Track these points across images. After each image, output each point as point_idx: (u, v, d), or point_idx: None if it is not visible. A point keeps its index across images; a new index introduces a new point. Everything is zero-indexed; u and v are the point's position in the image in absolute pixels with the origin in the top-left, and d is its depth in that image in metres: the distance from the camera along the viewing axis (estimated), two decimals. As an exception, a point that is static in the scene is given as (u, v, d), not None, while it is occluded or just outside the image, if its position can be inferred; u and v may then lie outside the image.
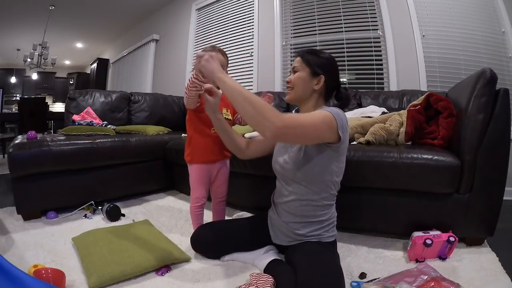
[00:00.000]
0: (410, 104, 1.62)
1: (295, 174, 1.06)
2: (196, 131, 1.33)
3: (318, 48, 2.79)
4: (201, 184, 1.35)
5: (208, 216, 1.54)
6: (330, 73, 1.09)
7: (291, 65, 1.63)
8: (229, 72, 3.34)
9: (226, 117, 1.36)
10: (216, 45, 1.40)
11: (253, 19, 3.25)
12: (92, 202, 1.80)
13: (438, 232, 1.21)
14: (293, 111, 1.26)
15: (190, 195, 1.38)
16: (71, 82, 8.54)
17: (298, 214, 1.08)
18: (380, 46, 2.56)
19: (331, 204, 1.10)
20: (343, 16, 2.69)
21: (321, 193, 1.05)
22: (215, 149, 1.34)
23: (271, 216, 1.21)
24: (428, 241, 1.15)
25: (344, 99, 1.15)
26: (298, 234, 1.09)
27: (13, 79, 7.83)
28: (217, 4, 3.66)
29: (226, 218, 1.68)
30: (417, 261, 1.18)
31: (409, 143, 1.51)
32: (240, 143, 1.27)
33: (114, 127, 2.42)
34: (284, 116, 0.84)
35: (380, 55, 2.56)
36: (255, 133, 1.86)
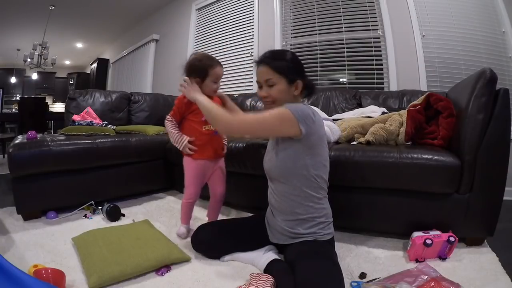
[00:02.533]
0: (410, 104, 1.62)
1: (273, 172, 1.11)
2: (190, 131, 1.39)
3: (318, 48, 2.80)
4: (196, 180, 1.41)
5: (203, 215, 1.54)
6: (302, 73, 1.11)
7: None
8: (229, 72, 3.35)
9: (211, 129, 1.42)
10: (205, 53, 1.45)
11: (253, 19, 3.25)
12: (92, 202, 1.80)
13: (438, 232, 1.22)
14: None
15: (184, 190, 1.42)
16: (71, 82, 8.54)
17: (288, 211, 1.09)
18: (380, 46, 2.56)
19: (320, 198, 1.08)
20: (343, 16, 2.69)
21: (301, 187, 1.05)
22: (210, 146, 1.40)
23: (267, 215, 1.22)
24: (428, 241, 1.15)
25: (310, 87, 1.16)
26: (293, 233, 1.08)
27: (13, 79, 7.83)
28: (217, 4, 3.66)
29: (226, 218, 1.68)
30: (417, 261, 1.18)
31: (409, 143, 1.51)
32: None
33: (114, 127, 2.42)
34: (231, 116, 1.05)
35: (380, 55, 2.56)
36: None
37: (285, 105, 1.02)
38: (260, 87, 1.13)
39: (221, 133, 1.10)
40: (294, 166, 1.04)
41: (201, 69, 1.32)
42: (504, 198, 1.23)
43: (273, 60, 1.08)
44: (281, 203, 1.11)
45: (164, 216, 1.75)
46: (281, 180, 1.09)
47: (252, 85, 3.18)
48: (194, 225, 1.48)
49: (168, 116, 1.43)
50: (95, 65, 6.98)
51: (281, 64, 1.07)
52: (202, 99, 1.16)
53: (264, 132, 1.10)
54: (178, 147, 1.39)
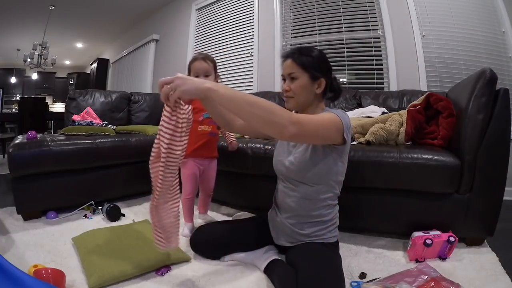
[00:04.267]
0: (410, 104, 1.62)
1: (302, 175, 1.05)
2: None
3: (318, 48, 2.79)
4: (190, 178, 1.46)
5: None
6: (327, 72, 1.07)
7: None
8: (229, 72, 3.35)
9: (206, 129, 1.46)
10: (202, 52, 1.53)
11: (253, 19, 3.25)
12: (92, 202, 1.80)
13: (438, 232, 1.22)
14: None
15: (182, 188, 1.45)
16: (71, 82, 8.53)
17: (303, 214, 1.08)
18: (380, 46, 2.56)
19: (335, 204, 1.11)
20: (343, 16, 2.69)
21: (326, 192, 1.06)
22: (204, 146, 1.46)
23: (273, 217, 1.19)
24: (428, 241, 1.15)
25: (337, 90, 1.13)
26: (302, 235, 1.08)
27: (13, 79, 7.83)
28: (217, 4, 3.66)
29: (226, 218, 1.69)
30: (417, 261, 1.18)
31: (409, 143, 1.51)
32: (228, 116, 1.17)
33: (114, 127, 2.42)
34: (295, 114, 0.85)
35: (380, 55, 2.56)
36: None
37: (328, 109, 1.02)
38: (283, 80, 1.10)
39: (284, 137, 0.84)
40: (329, 172, 1.04)
41: (188, 66, 1.47)
42: (504, 198, 1.23)
43: (300, 55, 1.05)
44: (297, 204, 1.08)
45: (164, 216, 1.75)
46: (308, 183, 1.05)
47: (252, 85, 3.19)
48: (194, 226, 1.49)
49: None
50: (95, 65, 6.98)
51: (306, 59, 1.03)
52: (225, 89, 0.80)
53: (321, 139, 0.94)
54: None
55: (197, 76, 1.40)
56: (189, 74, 1.47)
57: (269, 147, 1.56)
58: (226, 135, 1.63)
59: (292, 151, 1.10)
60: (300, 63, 1.04)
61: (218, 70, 1.54)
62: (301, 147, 1.07)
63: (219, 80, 1.54)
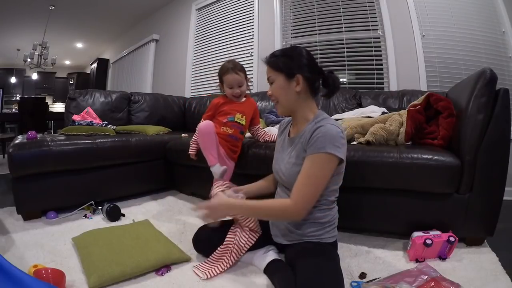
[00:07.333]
0: (410, 104, 1.63)
1: (292, 184, 1.03)
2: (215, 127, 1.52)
3: (318, 48, 2.80)
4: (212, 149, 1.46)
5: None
6: (304, 67, 1.02)
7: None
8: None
9: (240, 122, 1.52)
10: (234, 60, 1.63)
11: (253, 19, 3.25)
12: (92, 202, 1.80)
13: (438, 232, 1.22)
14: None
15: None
16: (71, 82, 8.54)
17: None
18: (380, 46, 2.56)
19: (331, 208, 1.09)
20: (343, 16, 2.69)
21: (320, 200, 1.03)
22: (222, 143, 1.52)
23: None
24: (428, 241, 1.15)
25: (331, 85, 1.07)
26: (299, 234, 1.07)
27: (13, 79, 7.83)
28: (217, 4, 3.66)
29: (227, 218, 1.68)
30: (417, 261, 1.18)
31: (409, 143, 1.51)
32: (269, 188, 1.28)
33: (114, 127, 2.42)
34: (298, 203, 0.94)
35: (380, 55, 2.56)
36: (272, 129, 1.86)
37: (323, 120, 0.99)
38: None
39: (295, 220, 1.02)
40: None
41: (219, 75, 1.56)
42: (504, 198, 1.23)
43: (272, 57, 1.05)
44: None
45: (164, 216, 1.75)
46: None
47: (251, 85, 3.18)
48: (195, 226, 1.49)
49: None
50: (95, 65, 6.98)
51: (277, 59, 1.03)
52: (243, 208, 1.04)
53: (326, 183, 0.98)
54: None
55: (231, 88, 1.53)
56: (221, 82, 1.57)
57: (269, 151, 1.55)
58: (258, 134, 1.71)
59: (285, 158, 1.09)
60: (273, 65, 1.04)
61: (218, 70, 1.57)
62: (292, 158, 1.05)
63: (249, 84, 1.62)
